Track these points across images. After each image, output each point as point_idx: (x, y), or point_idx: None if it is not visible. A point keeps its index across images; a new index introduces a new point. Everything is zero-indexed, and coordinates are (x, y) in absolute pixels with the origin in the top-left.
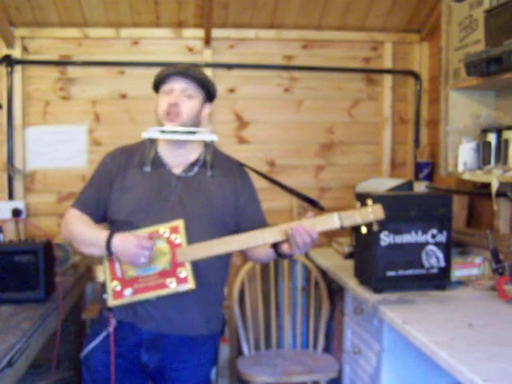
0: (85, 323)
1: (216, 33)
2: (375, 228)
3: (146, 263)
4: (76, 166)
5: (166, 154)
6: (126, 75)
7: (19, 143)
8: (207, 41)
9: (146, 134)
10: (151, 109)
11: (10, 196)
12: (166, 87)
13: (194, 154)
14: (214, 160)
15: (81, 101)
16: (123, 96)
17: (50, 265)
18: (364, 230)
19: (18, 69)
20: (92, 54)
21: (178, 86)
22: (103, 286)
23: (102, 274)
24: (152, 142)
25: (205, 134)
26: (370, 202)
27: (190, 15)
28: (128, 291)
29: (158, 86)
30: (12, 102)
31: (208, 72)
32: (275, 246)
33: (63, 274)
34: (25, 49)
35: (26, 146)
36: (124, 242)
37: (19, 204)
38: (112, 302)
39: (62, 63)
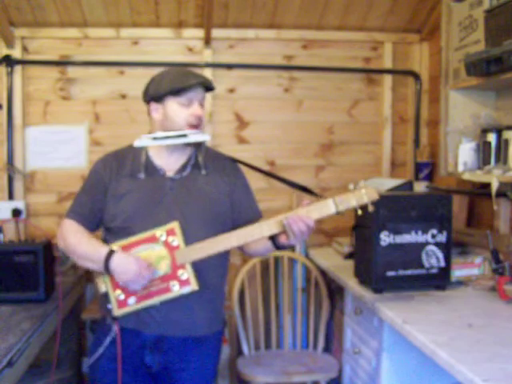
0: (85, 323)
1: (216, 33)
2: (370, 209)
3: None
4: (76, 166)
5: (159, 158)
6: (126, 75)
7: (19, 143)
8: (207, 41)
9: (139, 143)
10: None
11: (10, 196)
12: (183, 99)
13: (184, 155)
14: (205, 158)
15: (81, 101)
16: (123, 96)
17: (50, 265)
18: (359, 212)
19: (18, 69)
20: (92, 53)
21: (197, 98)
22: (106, 296)
23: (103, 284)
24: (142, 147)
25: (197, 135)
26: (362, 183)
27: (190, 15)
28: (131, 299)
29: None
30: (12, 102)
31: (208, 72)
32: (273, 238)
33: (63, 274)
34: (25, 49)
35: (26, 145)
36: (124, 265)
37: (19, 204)
38: (117, 311)
39: (62, 63)
